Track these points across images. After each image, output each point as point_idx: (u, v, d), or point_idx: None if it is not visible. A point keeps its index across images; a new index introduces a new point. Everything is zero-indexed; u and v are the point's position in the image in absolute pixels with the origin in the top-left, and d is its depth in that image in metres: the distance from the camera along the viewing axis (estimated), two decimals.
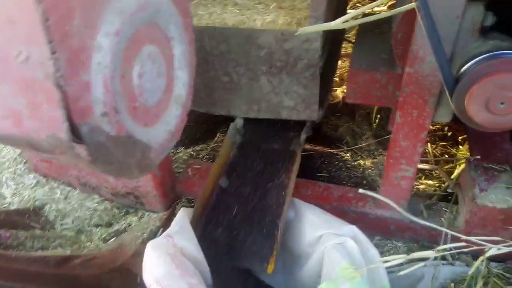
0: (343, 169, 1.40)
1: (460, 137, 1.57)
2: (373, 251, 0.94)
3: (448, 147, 1.55)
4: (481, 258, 0.73)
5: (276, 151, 1.27)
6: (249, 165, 1.23)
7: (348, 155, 1.50)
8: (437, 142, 1.56)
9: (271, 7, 1.27)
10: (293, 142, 1.27)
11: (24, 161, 1.36)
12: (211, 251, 1.01)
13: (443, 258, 1.11)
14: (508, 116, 0.76)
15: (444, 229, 0.76)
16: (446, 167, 1.44)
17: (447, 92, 0.80)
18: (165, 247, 0.89)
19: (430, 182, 1.37)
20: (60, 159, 0.64)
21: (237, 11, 1.25)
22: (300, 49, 1.13)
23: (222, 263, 1.03)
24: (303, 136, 1.27)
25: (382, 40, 1.18)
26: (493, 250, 0.71)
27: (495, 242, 0.73)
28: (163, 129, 0.80)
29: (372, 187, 1.34)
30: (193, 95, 0.87)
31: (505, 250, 0.73)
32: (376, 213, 1.17)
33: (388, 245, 1.20)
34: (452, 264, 1.11)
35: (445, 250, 0.68)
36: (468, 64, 0.78)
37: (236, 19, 1.20)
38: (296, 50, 1.13)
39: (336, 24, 0.82)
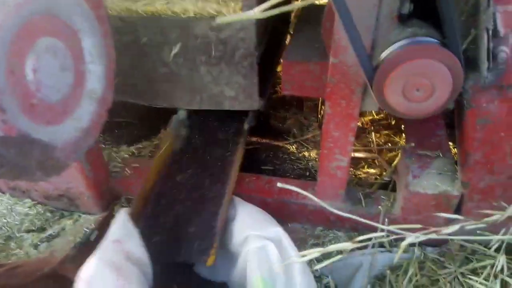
0: (288, 161, 1.39)
1: (403, 126, 1.60)
2: (293, 254, 0.91)
3: (392, 135, 1.57)
4: (403, 243, 0.73)
5: (220, 143, 1.25)
6: (192, 158, 1.21)
7: (294, 147, 1.49)
8: (381, 131, 1.58)
9: None
10: (236, 133, 1.25)
11: None
12: (152, 247, 0.97)
13: (381, 246, 1.13)
14: (424, 103, 0.76)
15: (364, 220, 0.76)
16: (389, 155, 1.45)
17: (366, 81, 0.80)
18: (114, 254, 0.85)
19: (372, 170, 1.39)
20: None
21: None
22: (236, 38, 1.11)
23: (163, 258, 1.00)
24: (246, 126, 1.25)
25: (318, 31, 1.17)
26: (411, 239, 0.72)
27: (421, 228, 0.74)
28: (73, 127, 0.75)
29: (315, 178, 1.33)
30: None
31: (423, 238, 0.73)
32: (315, 204, 1.16)
33: (330, 235, 1.20)
34: (390, 251, 1.12)
35: (366, 240, 0.67)
36: (386, 52, 0.77)
37: (170, 8, 1.16)
38: (233, 39, 1.11)
39: (255, 13, 0.79)
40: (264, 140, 1.53)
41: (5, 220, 1.18)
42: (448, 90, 0.72)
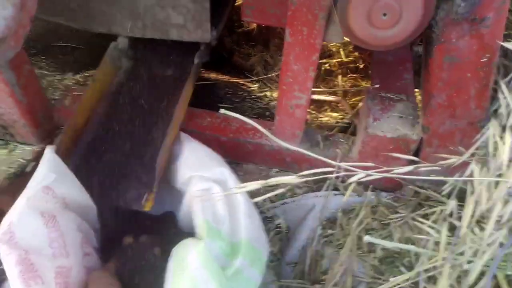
0: (247, 99, 1.31)
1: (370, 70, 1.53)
2: (240, 198, 0.85)
3: (359, 80, 1.50)
4: (353, 179, 0.68)
5: (167, 78, 1.13)
6: (133, 93, 1.09)
7: (255, 86, 1.41)
8: (348, 75, 1.51)
9: None
10: (185, 68, 1.13)
11: None
12: (91, 191, 0.89)
13: (336, 188, 1.10)
14: (391, 30, 0.68)
15: (317, 157, 0.70)
16: (353, 100, 1.40)
17: (331, 2, 0.70)
18: (44, 201, 0.75)
19: (334, 114, 1.33)
20: None
21: None
22: None
23: (106, 205, 0.92)
24: (196, 60, 1.13)
25: None
26: (362, 175, 0.67)
27: (370, 169, 0.69)
28: None
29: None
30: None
31: (376, 176, 0.69)
32: (272, 144, 1.11)
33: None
34: (343, 195, 1.09)
35: (309, 175, 0.61)
36: None
37: None
38: None
39: None
40: (223, 77, 1.43)
41: None
42: (418, 16, 0.65)
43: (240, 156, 1.17)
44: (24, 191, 0.78)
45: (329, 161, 0.67)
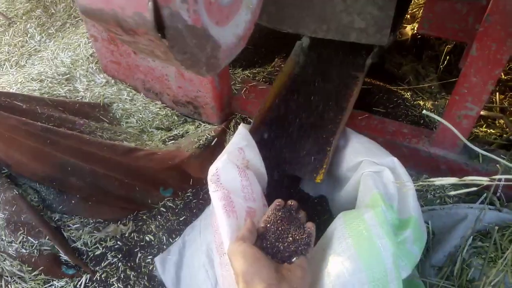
0: (401, 106, 1.37)
1: None
2: (409, 184, 0.94)
3: None
4: None
5: (339, 75, 1.26)
6: (310, 85, 1.25)
7: (408, 94, 1.45)
8: (507, 93, 1.46)
9: None
10: (357, 67, 1.25)
11: (95, 61, 1.45)
12: (267, 160, 1.07)
13: (491, 203, 1.10)
14: None
15: (504, 162, 0.75)
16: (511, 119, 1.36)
17: None
18: (237, 159, 0.95)
19: (491, 130, 1.31)
20: (140, 43, 0.68)
21: None
22: None
23: (275, 170, 1.10)
24: (368, 61, 1.24)
25: None
26: None
27: None
28: (232, 32, 0.82)
29: (429, 128, 1.31)
30: (262, 7, 0.87)
31: None
32: (429, 151, 1.15)
33: (435, 184, 1.19)
34: (499, 210, 1.09)
35: (500, 180, 0.67)
36: None
37: None
38: None
39: None
40: (377, 82, 1.51)
41: (140, 115, 1.35)
42: None
43: None
44: (225, 149, 0.98)
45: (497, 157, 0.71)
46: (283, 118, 1.18)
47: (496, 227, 1.05)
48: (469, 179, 0.67)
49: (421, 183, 0.90)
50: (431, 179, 0.71)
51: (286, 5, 1.22)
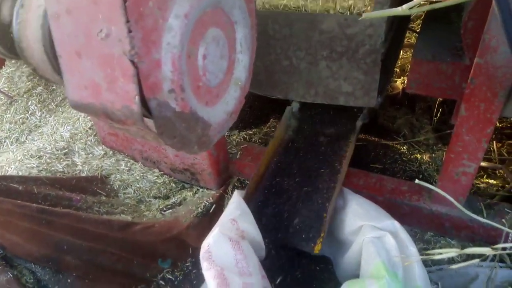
0: (398, 161, 1.37)
1: None
2: (412, 249, 0.91)
3: None
4: None
5: (331, 137, 1.27)
6: (302, 149, 1.25)
7: (404, 148, 1.46)
8: (504, 141, 1.46)
9: None
10: (348, 129, 1.26)
11: (94, 133, 1.48)
12: (262, 230, 1.05)
13: (501, 260, 1.06)
14: None
15: (506, 229, 0.73)
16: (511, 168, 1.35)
17: None
18: (230, 231, 0.94)
19: (492, 181, 1.30)
20: (131, 130, 0.69)
21: None
22: (363, 34, 1.11)
23: (272, 241, 1.07)
24: (359, 123, 1.25)
25: (449, 29, 1.13)
26: None
27: None
28: (222, 110, 0.83)
29: (429, 182, 1.29)
30: (251, 77, 0.89)
31: None
32: (431, 208, 1.13)
33: (441, 241, 1.16)
34: (510, 268, 1.05)
35: (504, 249, 0.65)
36: None
37: (299, 3, 1.21)
38: (359, 35, 1.11)
39: (403, 10, 0.79)
40: (372, 138, 1.51)
41: (138, 185, 1.35)
42: None
43: (395, 217, 1.22)
44: (218, 222, 0.96)
45: (499, 226, 0.69)
46: (277, 184, 1.18)
47: (510, 287, 1.00)
48: (470, 251, 0.65)
49: (420, 257, 0.87)
50: (430, 252, 0.69)
51: (275, 73, 1.25)
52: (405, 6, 0.78)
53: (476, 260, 0.65)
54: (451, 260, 1.13)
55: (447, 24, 1.17)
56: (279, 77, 1.26)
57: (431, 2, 1.12)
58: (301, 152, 1.25)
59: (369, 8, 1.13)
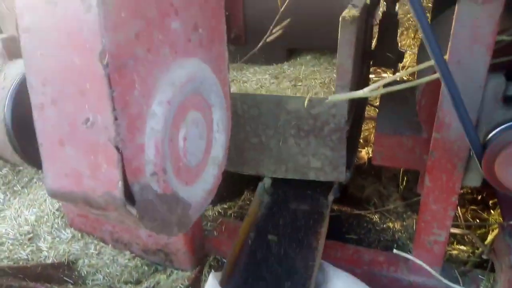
0: (372, 231, 1.39)
1: (491, 201, 1.54)
2: None
3: (479, 211, 1.52)
4: None
5: (304, 212, 1.28)
6: (277, 226, 1.25)
7: (376, 217, 1.49)
8: (467, 206, 1.54)
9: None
10: (321, 203, 1.29)
11: (61, 216, 1.42)
12: None
13: None
14: None
15: None
16: (478, 232, 1.40)
17: (475, 158, 0.83)
18: None
19: (463, 247, 1.34)
20: (110, 216, 0.68)
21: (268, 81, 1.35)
22: (327, 114, 1.19)
23: None
24: (330, 197, 1.28)
25: (405, 104, 1.24)
26: None
27: None
28: (201, 188, 0.84)
29: (403, 251, 1.31)
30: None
31: None
32: (409, 279, 1.14)
33: None
34: None
35: None
36: (495, 131, 0.81)
37: (268, 88, 1.30)
38: (323, 115, 1.19)
39: (364, 92, 0.88)
40: (344, 208, 1.55)
41: (107, 270, 1.28)
42: None
43: None
44: None
45: None
46: (254, 265, 1.15)
47: None
48: None
49: None
50: None
51: (246, 150, 1.29)
52: (367, 89, 0.87)
53: None
54: None
55: (403, 99, 1.28)
56: (249, 154, 1.29)
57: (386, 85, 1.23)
58: (276, 229, 1.24)
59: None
